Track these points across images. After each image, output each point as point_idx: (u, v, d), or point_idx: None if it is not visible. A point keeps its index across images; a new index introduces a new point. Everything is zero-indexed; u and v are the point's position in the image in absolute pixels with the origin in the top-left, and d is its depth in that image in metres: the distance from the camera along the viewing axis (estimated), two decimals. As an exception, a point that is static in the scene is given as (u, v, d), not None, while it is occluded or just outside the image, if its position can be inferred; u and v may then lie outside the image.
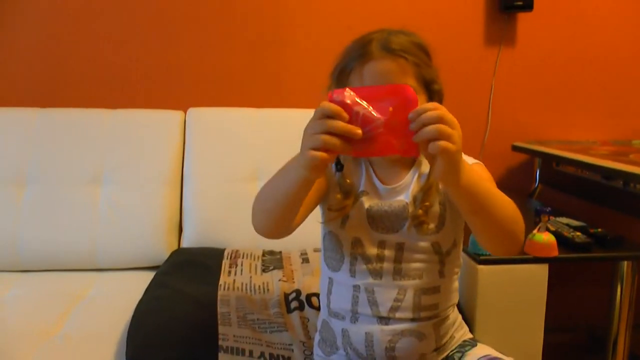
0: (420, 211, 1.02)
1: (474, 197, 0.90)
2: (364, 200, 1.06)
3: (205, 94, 2.09)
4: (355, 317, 1.05)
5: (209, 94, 2.09)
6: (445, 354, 1.09)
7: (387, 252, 1.04)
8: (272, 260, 1.58)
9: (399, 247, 1.04)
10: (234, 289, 1.40)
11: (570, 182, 2.03)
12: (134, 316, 1.32)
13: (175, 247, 1.82)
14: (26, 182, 1.79)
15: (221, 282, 1.44)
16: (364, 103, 0.83)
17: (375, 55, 0.98)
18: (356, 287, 1.05)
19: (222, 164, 1.85)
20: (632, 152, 1.95)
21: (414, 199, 1.04)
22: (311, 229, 1.10)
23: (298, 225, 1.03)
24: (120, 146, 1.85)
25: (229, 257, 1.61)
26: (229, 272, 1.50)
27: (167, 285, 1.46)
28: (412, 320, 1.04)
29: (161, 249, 1.78)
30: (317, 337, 1.16)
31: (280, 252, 1.66)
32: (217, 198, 1.82)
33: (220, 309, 1.31)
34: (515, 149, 2.15)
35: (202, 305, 1.33)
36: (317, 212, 1.11)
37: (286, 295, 1.36)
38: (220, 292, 1.38)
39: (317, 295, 1.33)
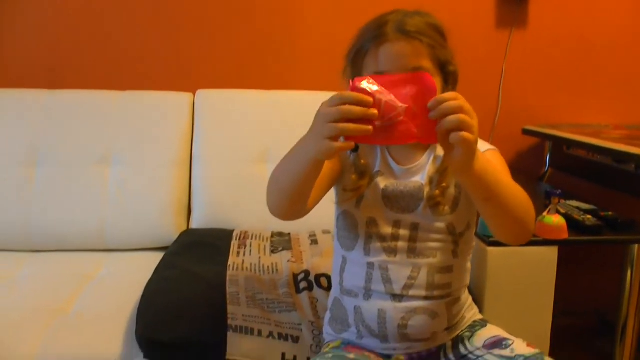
0: (437, 192, 1.03)
1: (486, 185, 0.90)
2: (379, 181, 1.06)
3: (214, 75, 2.08)
4: (368, 294, 1.06)
5: (218, 75, 2.08)
6: (456, 333, 1.10)
7: (402, 232, 1.05)
8: (281, 242, 1.58)
9: (414, 227, 1.04)
10: (242, 269, 1.40)
11: (581, 165, 2.01)
12: (143, 296, 1.33)
13: (184, 228, 1.82)
14: (36, 163, 1.80)
15: (230, 262, 1.44)
16: (386, 91, 0.83)
17: (390, 37, 0.98)
18: (370, 265, 1.05)
19: (231, 146, 1.85)
20: (645, 136, 1.94)
21: (430, 180, 1.05)
22: (320, 211, 1.09)
23: (313, 206, 1.03)
24: (129, 128, 1.85)
25: (237, 238, 1.62)
26: (238, 252, 1.51)
27: (176, 265, 1.47)
28: (425, 298, 1.04)
29: (170, 230, 1.78)
30: (327, 316, 1.17)
31: (289, 234, 1.66)
32: (226, 180, 1.82)
33: (229, 289, 1.32)
34: (526, 132, 2.14)
35: (211, 285, 1.34)
36: (329, 194, 1.11)
37: (295, 276, 1.36)
38: (229, 273, 1.38)
39: (326, 276, 1.33)
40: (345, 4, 2.07)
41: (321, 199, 1.05)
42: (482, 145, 1.06)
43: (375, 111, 0.83)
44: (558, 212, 1.46)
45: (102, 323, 1.35)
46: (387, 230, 1.05)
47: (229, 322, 1.24)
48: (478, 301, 1.29)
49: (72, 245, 1.78)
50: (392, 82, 0.84)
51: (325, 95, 1.90)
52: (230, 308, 1.26)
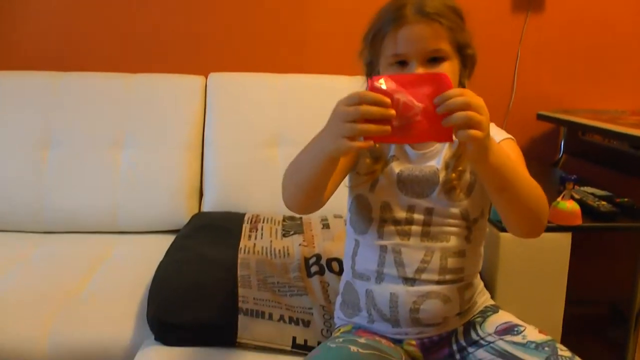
0: (453, 174, 1.02)
1: (501, 176, 0.90)
2: (394, 166, 1.06)
3: (226, 58, 2.07)
4: (380, 277, 1.05)
5: (230, 58, 2.07)
6: (467, 318, 1.09)
7: (417, 216, 1.04)
8: (293, 226, 1.58)
9: (428, 212, 1.04)
10: (254, 252, 1.40)
11: (597, 151, 1.99)
12: (154, 278, 1.34)
13: (195, 211, 1.83)
14: (49, 146, 1.81)
15: (241, 245, 1.44)
16: (404, 90, 0.83)
17: (410, 20, 0.97)
18: (383, 248, 1.05)
19: (243, 129, 1.85)
20: (662, 122, 1.90)
21: (446, 165, 1.04)
22: (332, 196, 1.09)
23: (328, 198, 1.03)
24: (141, 110, 1.86)
25: (249, 221, 1.62)
26: (250, 236, 1.51)
27: (187, 248, 1.47)
28: (438, 282, 1.04)
29: (182, 213, 1.79)
30: (338, 300, 1.17)
31: (301, 218, 1.66)
32: (238, 163, 1.82)
33: (241, 272, 1.32)
34: (541, 117, 2.11)
35: (222, 268, 1.34)
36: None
37: (306, 260, 1.35)
38: (240, 256, 1.38)
39: (337, 260, 1.33)
40: (358, -14, 2.05)
41: (336, 189, 1.05)
42: (499, 134, 1.06)
43: (393, 112, 0.82)
44: (572, 197, 1.44)
45: (114, 305, 1.37)
46: (401, 214, 1.04)
47: (240, 305, 1.24)
48: (490, 287, 1.29)
49: (84, 227, 1.79)
50: (410, 82, 0.84)
51: (338, 79, 1.92)
52: (241, 291, 1.27)
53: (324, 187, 0.99)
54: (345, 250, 1.15)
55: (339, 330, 1.12)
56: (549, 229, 1.40)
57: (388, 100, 0.82)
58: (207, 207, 1.82)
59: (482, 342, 1.06)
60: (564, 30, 2.15)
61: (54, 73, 1.90)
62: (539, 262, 1.41)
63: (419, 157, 1.06)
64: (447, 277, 1.05)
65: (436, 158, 1.06)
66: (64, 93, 1.85)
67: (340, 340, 1.02)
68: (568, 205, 1.40)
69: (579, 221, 1.40)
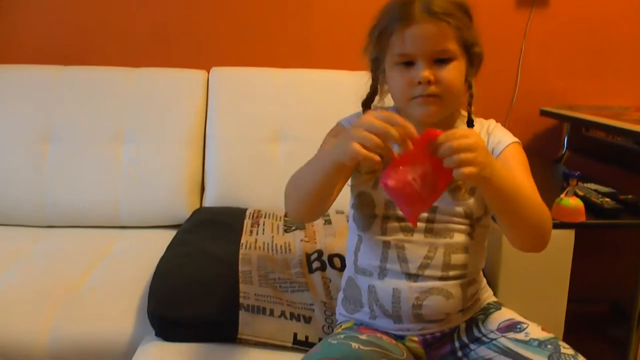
0: None
1: (503, 199, 0.92)
2: None
3: (228, 53, 2.06)
4: (383, 273, 1.05)
5: (232, 53, 2.06)
6: (470, 315, 1.09)
7: None
8: (294, 221, 1.58)
9: (432, 210, 1.03)
10: (255, 248, 1.40)
11: (600, 148, 1.98)
12: (155, 273, 1.33)
13: (197, 206, 1.82)
14: (50, 140, 1.80)
15: (243, 241, 1.43)
16: (408, 169, 0.86)
17: (417, 19, 0.96)
18: (386, 244, 1.04)
19: (245, 124, 1.85)
20: (667, 118, 1.89)
21: None
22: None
23: (331, 204, 1.04)
24: (143, 105, 1.85)
25: (250, 216, 1.61)
26: (251, 231, 1.50)
27: (189, 243, 1.47)
28: (441, 278, 1.03)
29: (183, 208, 1.78)
30: (340, 296, 1.16)
31: (302, 214, 1.65)
32: (240, 158, 1.81)
33: (242, 268, 1.31)
34: (544, 113, 2.10)
35: (223, 264, 1.34)
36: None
37: (308, 256, 1.35)
38: (241, 251, 1.38)
39: (339, 256, 1.33)
40: (361, -20, 2.04)
41: (338, 194, 1.05)
42: (505, 138, 1.06)
43: (410, 145, 0.86)
44: (576, 194, 1.43)
45: (115, 300, 1.36)
46: None
47: (241, 301, 1.23)
48: (492, 284, 1.28)
49: (85, 221, 1.79)
50: (408, 159, 0.87)
51: (340, 75, 1.91)
52: (242, 287, 1.26)
53: (330, 195, 1.01)
54: (348, 246, 1.14)
55: (340, 326, 1.11)
56: (553, 226, 1.38)
57: (415, 134, 0.85)
58: (208, 202, 1.82)
59: (484, 339, 1.05)
60: (568, 26, 2.14)
61: (55, 67, 1.89)
62: (542, 259, 1.39)
63: None
64: (451, 273, 1.04)
65: None
66: (65, 87, 1.85)
67: (342, 336, 1.01)
68: (571, 202, 1.39)
69: (582, 218, 1.39)
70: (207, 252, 1.39)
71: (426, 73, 0.97)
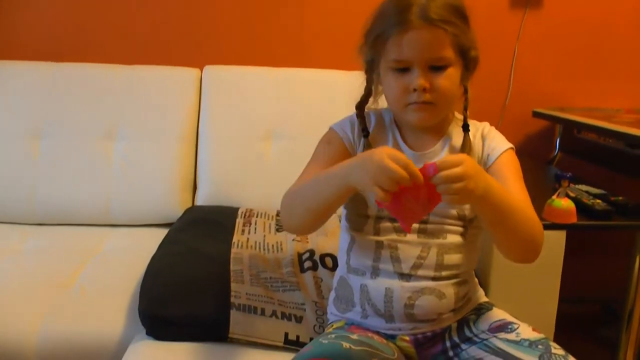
0: None
1: (494, 215, 0.94)
2: None
3: (222, 51, 2.06)
4: (376, 272, 1.05)
5: (226, 51, 2.06)
6: (461, 315, 1.09)
7: None
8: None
9: None
10: (247, 247, 1.39)
11: (592, 150, 1.99)
12: (147, 271, 1.33)
13: (189, 204, 1.82)
14: (42, 136, 1.80)
15: (234, 240, 1.43)
16: (407, 193, 0.88)
17: (414, 25, 0.96)
18: (379, 244, 1.05)
19: (238, 123, 1.84)
20: (658, 121, 1.90)
21: None
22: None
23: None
24: (135, 102, 1.84)
25: (243, 215, 1.61)
26: (243, 230, 1.50)
27: (180, 241, 1.46)
28: (433, 278, 1.04)
29: (175, 207, 1.78)
30: (332, 295, 1.16)
31: (295, 213, 1.65)
32: (232, 157, 1.81)
33: (233, 267, 1.31)
34: (536, 114, 2.11)
35: (215, 263, 1.33)
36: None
37: (299, 255, 1.35)
38: (233, 250, 1.37)
39: (330, 255, 1.33)
40: (356, -20, 2.04)
41: None
42: (501, 144, 1.07)
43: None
44: (567, 195, 1.44)
45: (105, 298, 1.36)
46: None
47: (232, 300, 1.23)
48: (484, 284, 1.29)
49: (76, 219, 1.78)
50: (411, 190, 0.88)
51: (335, 74, 1.91)
52: (233, 286, 1.26)
53: (334, 211, 1.02)
54: (340, 245, 1.14)
55: (332, 326, 1.11)
56: (544, 227, 1.38)
57: (421, 179, 0.87)
58: (200, 201, 1.81)
59: (475, 339, 1.05)
60: (561, 28, 2.15)
61: (47, 64, 1.88)
62: (533, 260, 1.40)
63: (416, 157, 1.06)
64: (443, 273, 1.04)
65: (434, 159, 1.05)
66: (57, 83, 1.84)
67: (333, 336, 1.01)
68: (563, 203, 1.39)
69: (573, 219, 1.40)
70: (199, 251, 1.39)
71: (422, 81, 0.97)
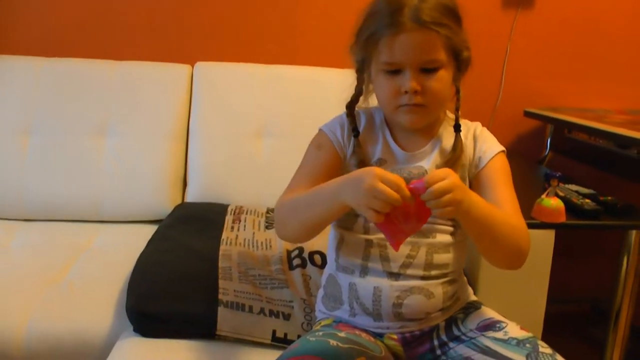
0: None
1: (479, 227, 0.95)
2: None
3: (214, 48, 2.05)
4: (365, 271, 1.05)
5: (218, 48, 2.05)
6: (450, 314, 1.09)
7: None
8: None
9: None
10: (236, 244, 1.39)
11: (582, 150, 1.99)
12: (135, 267, 1.32)
13: (179, 201, 1.81)
14: (31, 132, 1.78)
15: (224, 237, 1.43)
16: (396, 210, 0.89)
17: (406, 27, 0.95)
18: (369, 242, 1.05)
19: (228, 120, 1.83)
20: (648, 122, 1.91)
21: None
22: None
23: None
24: (126, 98, 1.83)
25: (232, 212, 1.60)
26: (232, 227, 1.49)
27: (169, 238, 1.46)
28: (422, 277, 1.04)
29: (165, 203, 1.77)
30: (320, 293, 1.16)
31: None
32: (223, 154, 1.80)
33: (222, 264, 1.31)
34: (527, 114, 2.11)
35: (203, 260, 1.33)
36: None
37: (288, 252, 1.34)
38: (222, 247, 1.37)
39: (319, 253, 1.32)
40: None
41: None
42: (492, 146, 1.07)
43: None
44: (557, 195, 1.44)
45: (94, 295, 1.35)
46: None
47: (220, 297, 1.22)
48: (472, 283, 1.29)
49: (66, 215, 1.77)
50: (401, 209, 0.89)
51: (326, 72, 1.90)
52: (221, 283, 1.25)
53: (329, 224, 1.06)
54: (330, 243, 1.14)
55: (320, 323, 1.11)
56: (533, 226, 1.39)
57: (412, 199, 0.88)
58: (190, 198, 1.80)
59: (463, 337, 1.05)
60: (553, 28, 2.15)
61: (37, 58, 1.87)
62: (522, 259, 1.40)
63: (407, 157, 1.06)
64: (432, 272, 1.04)
65: (425, 159, 1.06)
66: (47, 79, 1.82)
67: (320, 334, 1.01)
68: (552, 203, 1.40)
69: (562, 218, 1.40)
70: (188, 248, 1.38)
71: (413, 84, 0.97)
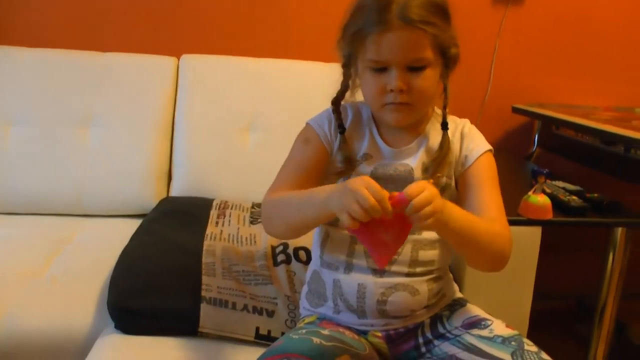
0: (431, 180, 1.00)
1: (459, 237, 0.94)
2: (365, 165, 1.05)
3: (200, 40, 2.02)
4: (349, 267, 1.04)
5: (204, 40, 2.02)
6: (435, 312, 1.08)
7: None
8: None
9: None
10: (220, 239, 1.38)
11: (569, 146, 1.99)
12: (118, 262, 1.31)
13: (163, 195, 1.79)
14: (13, 123, 1.75)
15: (208, 232, 1.41)
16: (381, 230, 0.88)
17: (394, 25, 0.93)
18: (354, 239, 1.04)
19: (214, 113, 1.81)
20: (635, 119, 1.92)
21: (424, 168, 1.04)
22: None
23: None
24: (111, 91, 1.81)
25: (217, 207, 1.59)
26: (217, 222, 1.48)
27: (153, 232, 1.44)
28: (407, 274, 1.03)
29: (149, 197, 1.75)
30: (304, 289, 1.15)
31: (270, 205, 1.63)
32: (208, 148, 1.78)
33: (205, 259, 1.29)
34: (516, 110, 2.11)
35: (187, 255, 1.31)
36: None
37: (273, 248, 1.33)
38: (206, 242, 1.35)
39: (304, 249, 1.31)
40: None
41: None
42: (480, 145, 1.06)
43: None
44: (544, 191, 1.44)
45: (75, 290, 1.33)
46: None
47: (203, 293, 1.21)
48: (458, 280, 1.28)
49: (49, 209, 1.74)
50: (381, 221, 0.88)
51: (314, 65, 1.89)
52: (205, 279, 1.24)
53: (314, 228, 1.07)
54: (314, 239, 1.13)
55: (304, 320, 1.10)
56: (520, 223, 1.39)
57: (391, 213, 0.86)
58: (175, 192, 1.78)
59: (448, 335, 1.05)
60: (542, 25, 2.15)
61: (20, 49, 1.84)
62: (508, 256, 1.40)
63: (393, 153, 1.05)
64: (417, 269, 1.04)
65: (412, 156, 1.05)
66: (30, 70, 1.80)
67: (303, 331, 1.00)
68: (539, 199, 1.39)
69: (549, 215, 1.40)
70: (171, 243, 1.36)
71: (399, 82, 0.96)
